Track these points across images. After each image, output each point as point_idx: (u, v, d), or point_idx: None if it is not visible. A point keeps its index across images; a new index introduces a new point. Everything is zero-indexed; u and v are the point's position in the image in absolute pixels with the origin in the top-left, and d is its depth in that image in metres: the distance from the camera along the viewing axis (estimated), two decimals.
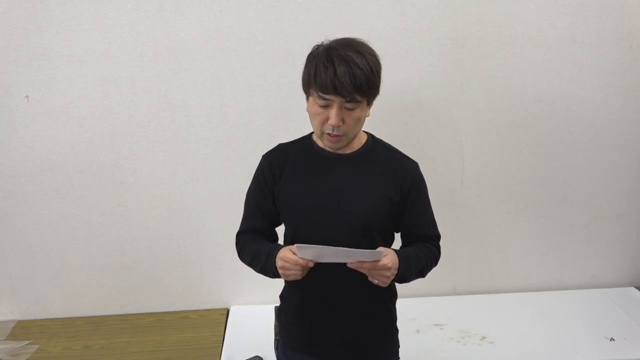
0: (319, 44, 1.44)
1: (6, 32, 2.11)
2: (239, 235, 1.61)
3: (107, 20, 2.12)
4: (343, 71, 1.33)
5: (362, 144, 1.52)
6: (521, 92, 2.30)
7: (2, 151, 2.23)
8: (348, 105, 1.37)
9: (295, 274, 1.41)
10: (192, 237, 2.39)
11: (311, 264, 1.39)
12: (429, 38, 2.21)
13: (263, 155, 1.58)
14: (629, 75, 2.31)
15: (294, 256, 1.39)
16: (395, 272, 1.43)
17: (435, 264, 1.58)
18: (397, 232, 1.59)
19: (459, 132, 2.33)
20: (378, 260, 1.38)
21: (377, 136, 1.59)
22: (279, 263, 1.42)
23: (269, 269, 1.47)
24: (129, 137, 2.25)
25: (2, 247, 2.35)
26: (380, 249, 1.42)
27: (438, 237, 1.61)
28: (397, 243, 1.62)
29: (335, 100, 1.36)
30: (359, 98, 1.37)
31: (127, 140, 2.25)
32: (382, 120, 2.21)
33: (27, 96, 2.18)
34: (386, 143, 1.58)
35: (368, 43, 1.43)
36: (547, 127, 2.35)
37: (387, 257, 1.40)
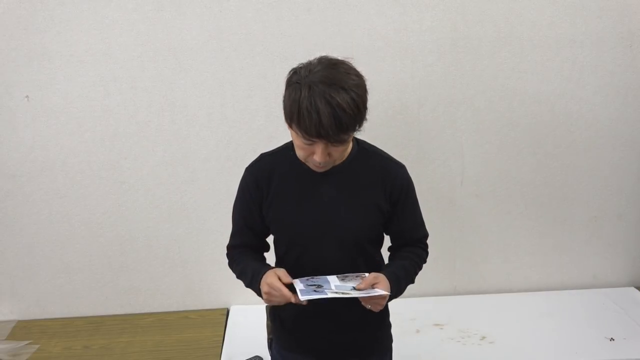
0: (296, 68, 1.35)
1: (6, 32, 2.11)
2: (229, 249, 1.59)
3: (107, 20, 2.12)
4: (327, 117, 1.25)
5: (347, 153, 1.48)
6: (521, 92, 2.30)
7: (2, 151, 2.24)
8: (334, 144, 1.33)
9: (279, 302, 1.40)
10: (192, 237, 2.39)
11: (298, 301, 1.36)
12: (429, 38, 2.21)
13: (246, 169, 1.54)
14: (629, 75, 2.31)
15: (280, 284, 1.37)
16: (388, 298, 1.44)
17: (424, 263, 1.59)
18: (386, 234, 1.58)
19: (459, 132, 2.33)
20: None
21: (375, 135, 1.57)
22: (264, 288, 1.39)
23: (254, 289, 1.47)
24: (129, 137, 2.25)
25: (2, 247, 2.35)
26: (372, 278, 1.40)
27: (426, 237, 1.61)
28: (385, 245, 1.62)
29: (321, 142, 1.32)
30: (345, 137, 1.33)
31: (127, 140, 2.25)
32: (382, 120, 2.22)
33: (27, 96, 2.18)
34: (371, 146, 1.54)
35: (351, 62, 1.35)
36: (547, 127, 2.35)
37: (381, 284, 1.39)
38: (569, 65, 2.28)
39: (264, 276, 1.41)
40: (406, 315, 2.27)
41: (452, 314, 2.35)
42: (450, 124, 2.32)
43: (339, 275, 1.43)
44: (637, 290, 2.52)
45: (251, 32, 2.16)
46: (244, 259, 1.53)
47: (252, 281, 1.46)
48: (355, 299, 1.39)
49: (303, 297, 1.33)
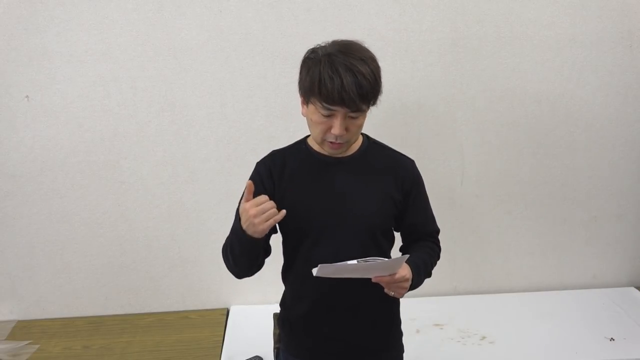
0: (314, 48, 1.40)
1: (6, 32, 2.11)
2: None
3: (107, 20, 2.12)
4: (350, 82, 1.29)
5: (359, 146, 1.51)
6: (521, 92, 2.30)
7: (2, 151, 2.23)
8: (352, 114, 1.35)
9: (261, 215, 1.29)
10: (192, 237, 2.39)
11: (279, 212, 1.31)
12: (429, 38, 2.21)
13: (258, 162, 1.54)
14: (629, 75, 2.31)
15: (244, 202, 1.31)
16: (410, 282, 1.43)
17: (438, 259, 1.59)
18: (396, 231, 1.58)
19: (459, 132, 2.33)
20: (395, 273, 1.36)
21: (374, 136, 1.58)
22: (245, 223, 1.30)
23: (244, 241, 1.35)
24: (129, 137, 2.25)
25: (2, 247, 2.35)
26: (399, 257, 1.38)
27: (437, 232, 1.62)
28: (397, 242, 1.62)
29: (340, 111, 1.34)
30: (364, 107, 1.36)
31: (127, 140, 2.25)
32: (382, 120, 2.22)
33: (27, 96, 2.18)
34: (380, 142, 1.57)
35: (364, 44, 1.40)
36: (547, 127, 2.35)
37: (404, 268, 1.39)
38: (569, 65, 2.28)
39: (238, 212, 1.35)
40: (406, 315, 2.25)
41: (452, 314, 2.35)
42: (450, 124, 2.32)
43: (359, 260, 1.38)
44: (637, 290, 2.52)
45: (251, 32, 2.16)
46: (229, 236, 1.45)
47: (237, 236, 1.36)
48: (367, 283, 1.38)
49: (320, 271, 1.27)
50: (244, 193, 1.54)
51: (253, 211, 1.30)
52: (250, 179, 1.52)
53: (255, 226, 1.31)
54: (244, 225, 1.33)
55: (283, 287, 1.63)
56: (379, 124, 2.21)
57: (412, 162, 1.56)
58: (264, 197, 1.32)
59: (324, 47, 1.38)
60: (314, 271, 1.30)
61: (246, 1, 2.13)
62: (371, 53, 1.39)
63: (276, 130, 2.25)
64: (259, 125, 2.26)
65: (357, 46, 1.38)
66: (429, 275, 1.54)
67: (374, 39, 2.18)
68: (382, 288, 1.41)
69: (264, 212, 1.31)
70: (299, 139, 1.57)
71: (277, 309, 1.66)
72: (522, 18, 2.21)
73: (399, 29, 2.19)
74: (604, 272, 2.56)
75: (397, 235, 1.61)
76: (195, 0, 2.12)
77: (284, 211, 1.33)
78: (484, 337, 2.21)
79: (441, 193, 2.37)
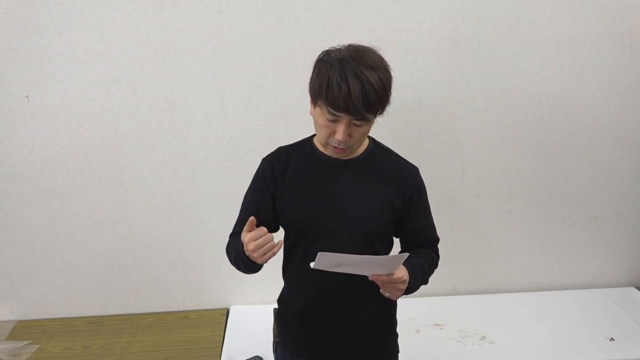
0: (328, 50, 1.38)
1: (6, 32, 2.11)
2: (229, 238, 1.56)
3: (107, 20, 2.12)
4: (357, 90, 1.28)
5: (364, 149, 1.51)
6: (521, 92, 2.30)
7: (2, 151, 2.23)
8: (357, 122, 1.35)
9: (263, 246, 1.33)
10: (192, 237, 2.39)
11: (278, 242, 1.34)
12: (429, 38, 2.21)
13: (263, 159, 1.55)
14: (629, 75, 2.31)
15: (245, 233, 1.34)
16: (407, 285, 1.43)
17: (436, 268, 1.59)
18: (396, 237, 1.58)
19: (459, 132, 2.33)
20: (393, 274, 1.36)
21: (374, 136, 1.58)
22: (250, 247, 1.33)
23: (247, 263, 1.40)
24: (129, 137, 2.25)
25: (2, 247, 2.35)
26: (399, 254, 1.39)
27: (437, 241, 1.62)
28: (396, 249, 1.62)
29: (345, 117, 1.33)
30: (369, 117, 1.35)
31: (127, 140, 2.25)
32: (382, 121, 2.20)
33: (27, 96, 2.18)
34: (386, 146, 1.57)
35: (379, 51, 1.39)
36: (547, 127, 2.35)
37: (401, 270, 1.39)
38: (569, 65, 2.28)
39: (242, 240, 1.37)
40: (406, 315, 2.26)
41: (452, 314, 2.35)
42: (450, 124, 2.32)
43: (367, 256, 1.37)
44: (637, 290, 2.52)
45: (251, 32, 2.16)
46: (234, 244, 1.48)
47: (242, 257, 1.40)
48: (364, 283, 1.38)
49: (319, 262, 1.29)
50: (246, 193, 1.55)
51: (251, 246, 1.33)
52: (255, 174, 1.55)
53: (255, 259, 1.35)
54: (247, 254, 1.37)
55: (281, 292, 1.64)
56: (379, 124, 2.20)
57: (415, 169, 1.55)
58: (262, 231, 1.34)
59: (339, 50, 1.37)
60: (312, 264, 1.30)
61: (246, 1, 2.13)
62: (385, 62, 1.37)
63: (276, 130, 2.25)
64: (259, 125, 2.26)
65: (372, 54, 1.36)
66: (426, 282, 1.54)
67: (374, 39, 2.16)
68: (378, 288, 1.41)
69: (262, 246, 1.33)
70: (299, 139, 1.57)
71: None
72: (522, 18, 2.21)
73: (399, 29, 2.19)
74: (604, 272, 2.56)
75: (396, 242, 1.61)
76: (195, 0, 2.12)
77: (281, 241, 1.37)
78: (484, 337, 2.21)
79: (441, 193, 2.37)
